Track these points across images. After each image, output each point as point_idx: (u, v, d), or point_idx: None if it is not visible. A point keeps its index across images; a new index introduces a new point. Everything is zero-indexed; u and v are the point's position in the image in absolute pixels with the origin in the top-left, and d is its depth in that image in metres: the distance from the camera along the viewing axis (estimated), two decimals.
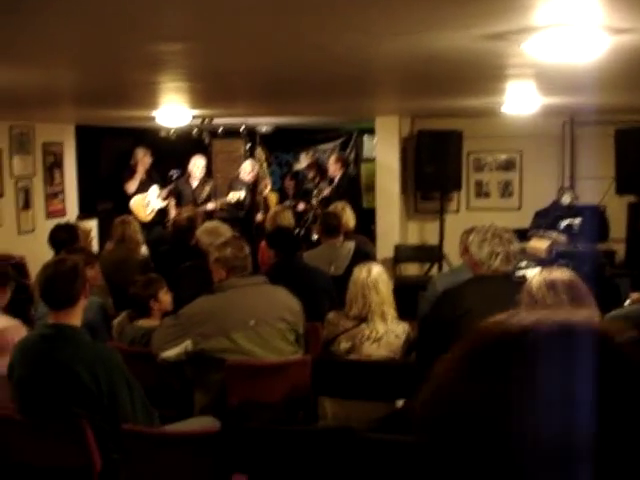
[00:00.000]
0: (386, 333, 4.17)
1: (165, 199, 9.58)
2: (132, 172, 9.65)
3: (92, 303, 4.23)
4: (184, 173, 9.98)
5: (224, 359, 3.97)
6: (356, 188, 10.30)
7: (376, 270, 4.34)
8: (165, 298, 4.64)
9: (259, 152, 10.64)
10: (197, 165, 9.81)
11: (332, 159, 10.34)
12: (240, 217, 9.76)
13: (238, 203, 9.76)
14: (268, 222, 6.80)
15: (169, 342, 4.06)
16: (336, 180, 9.94)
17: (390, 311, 4.25)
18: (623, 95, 6.57)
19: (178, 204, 9.49)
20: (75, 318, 3.35)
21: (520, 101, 6.90)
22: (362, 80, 5.19)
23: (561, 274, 2.82)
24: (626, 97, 6.83)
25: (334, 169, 10.04)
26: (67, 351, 3.28)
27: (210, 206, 9.55)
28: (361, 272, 4.32)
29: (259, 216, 9.93)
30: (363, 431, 3.54)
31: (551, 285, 2.76)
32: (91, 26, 3.17)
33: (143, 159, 9.67)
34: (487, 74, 4.76)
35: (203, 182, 9.84)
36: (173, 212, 9.38)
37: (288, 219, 6.75)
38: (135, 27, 3.21)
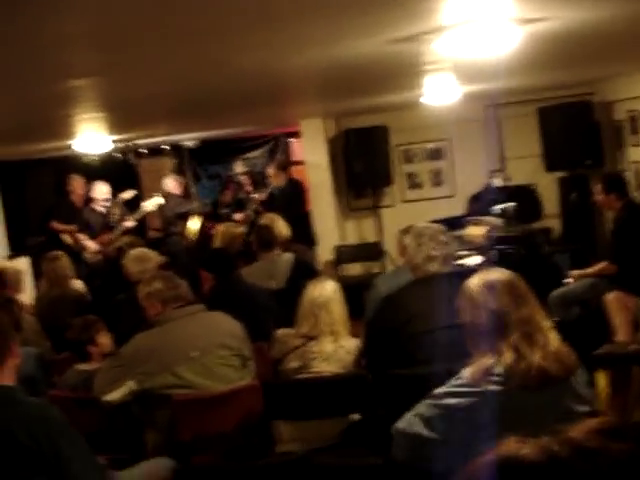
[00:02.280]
0: (336, 351, 4.08)
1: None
2: (67, 201, 9.42)
3: (28, 355, 4.07)
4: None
5: (171, 395, 3.85)
6: (301, 193, 9.65)
7: (329, 288, 4.21)
8: (104, 341, 4.46)
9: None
10: (100, 191, 9.51)
11: (273, 167, 9.76)
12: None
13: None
14: (217, 241, 6.61)
15: (112, 384, 3.91)
16: (283, 186, 9.41)
17: (342, 329, 4.15)
18: (540, 76, 6.64)
19: (92, 235, 9.24)
20: (6, 378, 3.18)
21: (441, 92, 6.90)
22: (279, 90, 5.13)
23: (499, 275, 2.75)
24: (543, 77, 6.90)
25: (277, 176, 9.46)
26: (1, 413, 3.12)
27: (129, 224, 9.30)
28: (314, 290, 4.20)
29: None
30: (320, 454, 3.46)
31: (491, 287, 2.69)
32: None
33: (76, 186, 9.45)
34: (403, 72, 4.74)
35: (112, 206, 9.58)
36: (89, 243, 9.15)
37: (238, 237, 6.54)
38: (42, 67, 3.14)
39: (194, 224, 9.78)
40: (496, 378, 2.55)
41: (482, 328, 2.64)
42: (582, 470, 0.80)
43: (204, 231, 9.77)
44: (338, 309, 4.18)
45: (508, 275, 2.74)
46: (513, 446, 0.88)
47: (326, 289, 4.20)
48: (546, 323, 2.68)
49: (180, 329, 4.00)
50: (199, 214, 9.87)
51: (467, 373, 2.62)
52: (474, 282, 2.74)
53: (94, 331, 4.43)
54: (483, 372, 2.58)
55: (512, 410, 2.49)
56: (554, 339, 2.63)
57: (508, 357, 2.56)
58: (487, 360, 2.59)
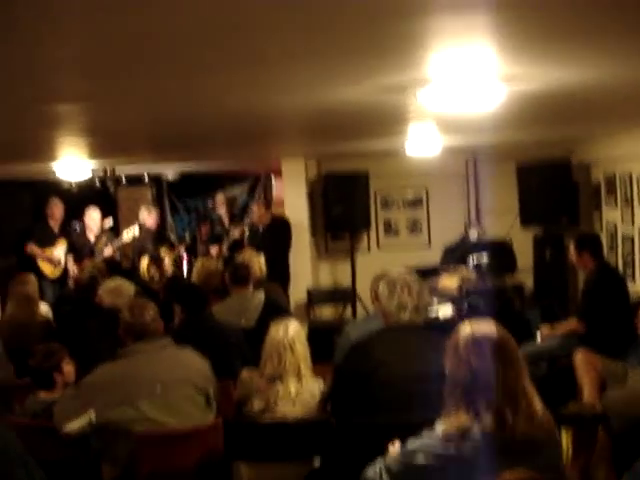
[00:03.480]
0: (301, 392, 4.04)
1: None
2: (45, 224, 9.39)
3: None
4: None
5: (131, 429, 3.79)
6: (288, 232, 9.25)
7: (293, 328, 4.18)
8: (68, 369, 4.38)
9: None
10: (92, 217, 9.52)
11: (258, 205, 9.52)
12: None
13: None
14: (194, 276, 6.52)
15: (71, 414, 3.85)
16: (267, 224, 9.15)
17: (306, 370, 4.11)
18: (521, 133, 6.71)
19: (77, 259, 9.20)
20: None
21: (423, 143, 6.95)
22: (262, 130, 5.16)
23: (489, 330, 2.65)
24: (524, 134, 6.98)
25: (262, 214, 9.19)
26: None
27: (107, 252, 9.27)
28: (278, 331, 4.15)
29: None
30: None
31: (478, 344, 2.59)
32: None
33: (55, 210, 9.42)
34: (387, 121, 4.77)
35: (100, 233, 9.56)
36: (73, 268, 9.09)
37: (215, 273, 6.41)
38: (29, 90, 3.13)
39: (143, 263, 9.67)
40: (472, 442, 2.48)
41: (460, 383, 2.57)
42: None
43: (161, 268, 9.70)
44: (302, 350, 4.15)
45: (498, 332, 2.66)
46: None
47: (290, 329, 4.17)
48: (531, 387, 2.61)
49: (145, 362, 3.94)
50: (146, 254, 9.75)
51: (441, 430, 2.55)
52: (464, 333, 2.66)
53: (58, 358, 4.36)
54: (459, 433, 2.51)
55: (486, 475, 2.42)
56: (537, 404, 2.58)
57: (488, 420, 2.49)
58: (463, 419, 2.52)
